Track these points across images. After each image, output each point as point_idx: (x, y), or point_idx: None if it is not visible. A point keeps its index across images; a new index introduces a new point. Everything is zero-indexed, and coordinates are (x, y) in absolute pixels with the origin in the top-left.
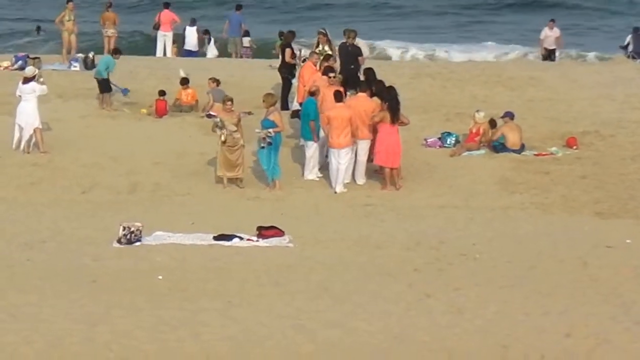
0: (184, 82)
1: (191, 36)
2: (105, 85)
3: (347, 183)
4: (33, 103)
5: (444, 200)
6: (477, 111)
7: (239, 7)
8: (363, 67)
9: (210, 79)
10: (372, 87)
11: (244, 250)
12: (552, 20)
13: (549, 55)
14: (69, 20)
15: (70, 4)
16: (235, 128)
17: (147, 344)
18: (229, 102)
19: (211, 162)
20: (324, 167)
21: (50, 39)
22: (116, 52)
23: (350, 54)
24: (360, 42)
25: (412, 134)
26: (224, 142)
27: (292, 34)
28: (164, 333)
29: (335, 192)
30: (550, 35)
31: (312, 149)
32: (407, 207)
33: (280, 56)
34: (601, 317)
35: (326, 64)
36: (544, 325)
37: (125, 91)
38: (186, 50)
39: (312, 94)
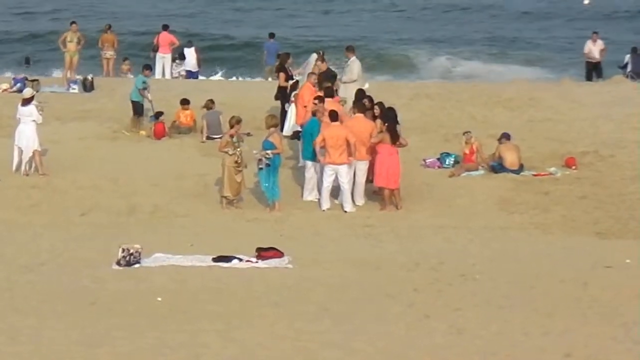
0: (184, 102)
1: (190, 57)
2: (136, 108)
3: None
4: (32, 125)
5: (443, 220)
6: (465, 133)
7: (272, 35)
8: (341, 88)
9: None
10: (364, 108)
11: (243, 272)
12: (595, 33)
13: (594, 68)
14: (70, 42)
15: (74, 25)
16: (242, 149)
17: None
18: (240, 124)
19: (210, 183)
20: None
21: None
22: (145, 68)
23: (324, 76)
24: (354, 63)
25: (411, 155)
26: (236, 163)
27: (287, 55)
28: (164, 355)
29: (345, 212)
30: (593, 48)
31: (311, 170)
32: (406, 228)
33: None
34: (602, 337)
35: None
36: (544, 345)
37: (153, 118)
38: (186, 70)
39: (315, 113)
